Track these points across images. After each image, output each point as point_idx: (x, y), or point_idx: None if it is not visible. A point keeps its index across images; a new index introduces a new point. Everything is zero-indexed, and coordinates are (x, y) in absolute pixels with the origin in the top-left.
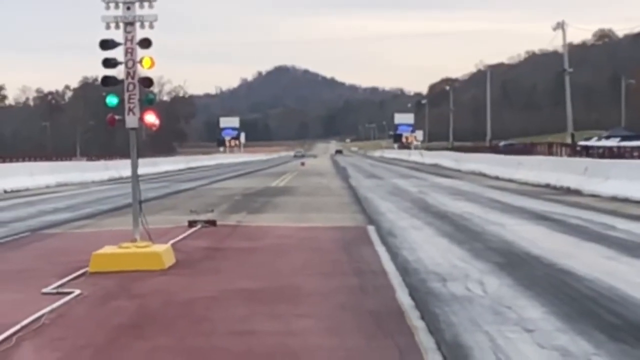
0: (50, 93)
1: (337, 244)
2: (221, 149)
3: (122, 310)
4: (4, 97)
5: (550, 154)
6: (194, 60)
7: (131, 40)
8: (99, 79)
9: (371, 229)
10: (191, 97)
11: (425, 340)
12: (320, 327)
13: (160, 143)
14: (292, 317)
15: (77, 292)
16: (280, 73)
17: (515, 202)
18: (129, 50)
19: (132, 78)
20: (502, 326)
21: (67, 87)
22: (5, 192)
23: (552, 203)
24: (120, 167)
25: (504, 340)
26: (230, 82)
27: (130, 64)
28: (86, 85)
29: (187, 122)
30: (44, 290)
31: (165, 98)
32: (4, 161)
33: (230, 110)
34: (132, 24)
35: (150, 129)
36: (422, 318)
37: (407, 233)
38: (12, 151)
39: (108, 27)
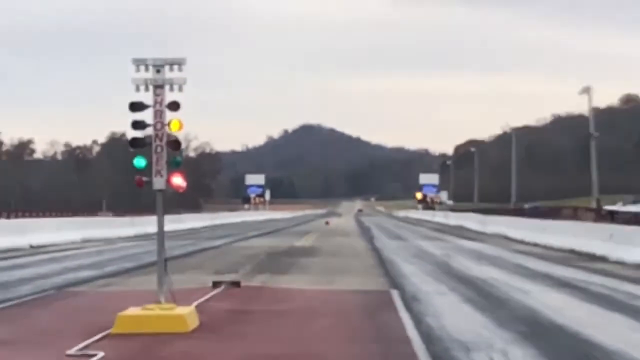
0: (78, 147)
1: (362, 308)
2: (246, 206)
3: None
4: (33, 151)
5: (576, 218)
6: (221, 116)
7: (160, 103)
8: (127, 134)
9: (395, 294)
10: (217, 153)
11: None
12: None
13: (186, 199)
14: None
15: (101, 354)
16: (306, 131)
17: (539, 267)
18: (158, 113)
19: (161, 140)
20: None
21: (94, 141)
22: (32, 247)
23: (577, 270)
24: (146, 224)
25: None
26: (257, 139)
27: (158, 126)
28: (113, 140)
29: (213, 179)
30: (68, 352)
31: (192, 154)
32: (30, 215)
33: (256, 168)
34: (161, 86)
35: (176, 190)
36: None
37: (432, 298)
38: (40, 205)
39: (138, 89)
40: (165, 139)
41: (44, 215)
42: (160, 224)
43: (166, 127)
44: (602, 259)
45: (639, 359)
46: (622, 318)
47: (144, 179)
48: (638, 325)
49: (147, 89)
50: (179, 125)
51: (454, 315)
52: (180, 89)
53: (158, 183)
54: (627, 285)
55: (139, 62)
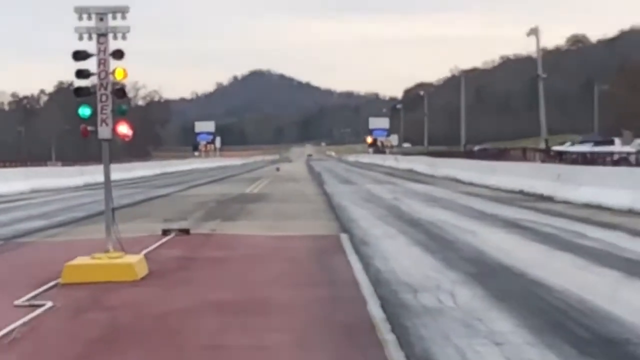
0: (26, 97)
1: (310, 253)
2: (196, 153)
3: (94, 323)
4: None
5: (525, 159)
6: (170, 64)
7: (104, 52)
8: (74, 83)
9: (344, 238)
10: (167, 101)
11: (395, 354)
12: (291, 341)
13: (135, 148)
14: (264, 331)
15: (50, 304)
16: (256, 78)
17: (488, 209)
18: (102, 62)
19: (105, 89)
20: (472, 339)
21: (42, 91)
22: None
23: (525, 210)
24: (96, 173)
25: (474, 354)
26: (206, 86)
27: (102, 75)
28: (61, 90)
29: (163, 127)
30: (16, 302)
31: (141, 103)
32: None
33: (206, 115)
34: (104, 35)
35: (123, 139)
36: (393, 331)
37: (380, 242)
38: None
39: (81, 37)
40: (110, 88)
41: None
42: (107, 173)
43: (110, 76)
44: (550, 198)
45: (585, 298)
46: (569, 257)
47: (89, 128)
48: (584, 264)
49: (90, 38)
50: (123, 73)
51: (403, 258)
52: (124, 37)
53: (103, 132)
54: (573, 224)
55: (81, 11)
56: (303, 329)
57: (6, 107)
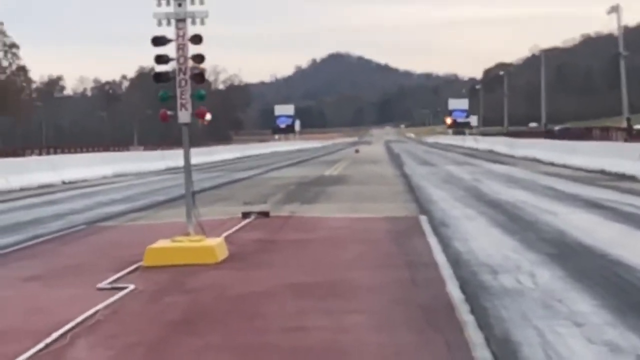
0: (108, 83)
1: (390, 235)
2: (276, 136)
3: (175, 305)
4: (63, 88)
5: (606, 138)
6: (249, 48)
7: (182, 37)
8: (155, 69)
9: (423, 219)
10: (246, 85)
11: (474, 335)
12: (371, 323)
13: (216, 131)
14: (344, 313)
15: (132, 287)
16: (335, 60)
17: (568, 189)
18: (181, 47)
19: (184, 74)
20: (552, 320)
21: (124, 76)
22: (64, 183)
23: (606, 190)
24: (177, 157)
25: (554, 335)
26: (285, 70)
27: (181, 60)
28: (142, 75)
29: (243, 111)
30: (99, 285)
31: (221, 87)
32: (62, 152)
33: (286, 98)
34: (183, 20)
35: (203, 123)
36: (472, 312)
37: (460, 223)
38: (71, 141)
39: (160, 23)
40: (188, 73)
41: (75, 151)
42: (187, 157)
43: (189, 61)
44: (632, 178)
45: None
46: None
47: (169, 112)
48: None
49: (169, 24)
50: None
51: (482, 239)
52: (202, 22)
53: (183, 116)
54: None
55: None
56: (382, 311)
57: (89, 93)
